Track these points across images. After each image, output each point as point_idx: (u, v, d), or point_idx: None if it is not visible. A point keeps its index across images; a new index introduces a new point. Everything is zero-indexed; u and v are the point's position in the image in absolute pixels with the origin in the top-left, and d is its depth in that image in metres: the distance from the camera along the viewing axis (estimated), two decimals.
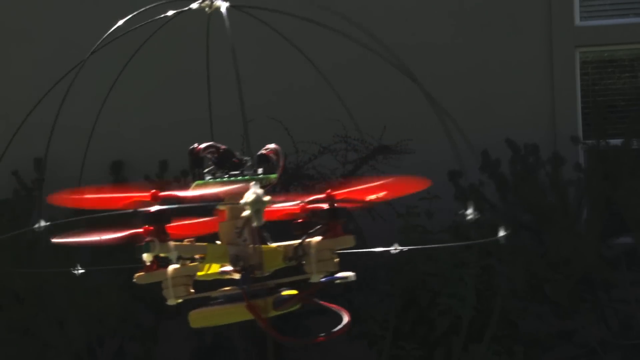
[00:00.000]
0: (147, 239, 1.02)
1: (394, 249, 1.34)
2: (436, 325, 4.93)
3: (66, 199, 1.21)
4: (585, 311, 5.19)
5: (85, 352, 5.37)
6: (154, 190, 1.04)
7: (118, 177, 6.34)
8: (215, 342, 5.58)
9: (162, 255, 1.01)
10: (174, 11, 1.45)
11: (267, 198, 0.97)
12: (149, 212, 1.00)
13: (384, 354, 5.01)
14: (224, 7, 1.47)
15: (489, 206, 5.43)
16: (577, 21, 6.21)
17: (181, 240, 1.05)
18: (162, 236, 1.01)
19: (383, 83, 6.35)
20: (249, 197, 0.96)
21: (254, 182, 0.98)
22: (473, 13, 6.28)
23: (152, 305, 5.86)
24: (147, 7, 1.60)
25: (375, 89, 6.34)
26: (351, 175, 5.52)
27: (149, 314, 5.85)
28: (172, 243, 1.03)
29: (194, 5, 1.50)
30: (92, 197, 1.14)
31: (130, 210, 1.05)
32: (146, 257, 1.04)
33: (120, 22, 1.51)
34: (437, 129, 6.92)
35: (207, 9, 1.46)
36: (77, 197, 1.16)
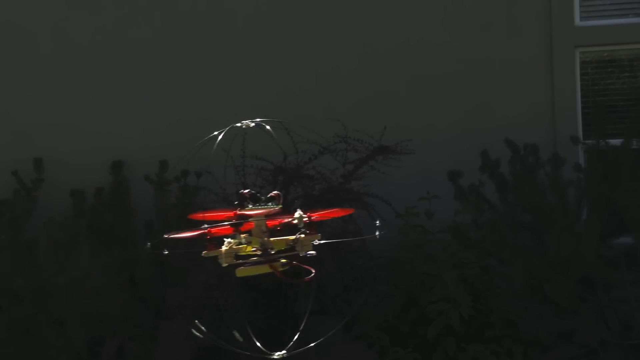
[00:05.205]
0: (232, 233, 1.97)
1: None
2: (433, 327, 4.93)
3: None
4: (586, 311, 5.18)
5: (86, 352, 5.37)
6: (234, 212, 1.97)
7: (118, 177, 6.33)
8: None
9: (235, 240, 1.96)
10: None
11: (298, 215, 1.97)
12: (234, 222, 1.97)
13: (384, 356, 5.01)
14: None
15: (488, 206, 5.43)
16: (577, 21, 6.21)
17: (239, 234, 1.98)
18: (237, 232, 1.97)
19: (383, 83, 6.35)
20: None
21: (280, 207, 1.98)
22: (473, 13, 6.28)
23: (152, 305, 5.86)
24: None
25: (376, 90, 6.34)
26: (351, 175, 5.52)
27: (149, 314, 5.85)
28: (241, 235, 1.96)
29: None
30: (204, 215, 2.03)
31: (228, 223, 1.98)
32: (229, 241, 1.96)
33: None
34: (436, 130, 6.94)
35: None
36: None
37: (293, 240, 1.96)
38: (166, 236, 2.03)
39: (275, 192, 2.00)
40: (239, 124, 2.02)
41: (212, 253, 1.93)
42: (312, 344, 2.11)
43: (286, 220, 1.98)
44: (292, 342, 2.02)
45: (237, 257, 1.95)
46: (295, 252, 1.96)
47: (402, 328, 5.09)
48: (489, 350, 4.85)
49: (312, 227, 1.97)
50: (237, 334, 2.08)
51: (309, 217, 1.98)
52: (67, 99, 6.61)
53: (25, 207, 6.10)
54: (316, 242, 1.96)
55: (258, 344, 2.00)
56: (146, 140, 6.50)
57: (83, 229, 5.55)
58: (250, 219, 1.97)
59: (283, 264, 1.98)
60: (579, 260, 5.01)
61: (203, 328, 2.09)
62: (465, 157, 5.82)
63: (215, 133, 2.03)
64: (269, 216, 1.98)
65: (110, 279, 5.23)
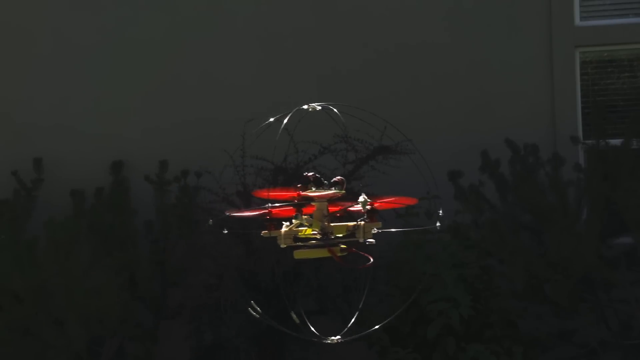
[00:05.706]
0: (295, 214, 1.91)
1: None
2: (433, 327, 4.93)
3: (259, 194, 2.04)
4: (585, 311, 5.18)
5: (85, 352, 5.37)
6: (298, 192, 1.92)
7: (118, 177, 6.33)
8: (215, 342, 5.58)
9: (296, 221, 1.90)
10: None
11: (362, 199, 1.92)
12: (297, 202, 1.93)
13: (384, 356, 5.01)
14: None
15: (488, 206, 5.43)
16: (577, 21, 6.21)
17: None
18: (299, 213, 1.92)
19: (383, 84, 6.35)
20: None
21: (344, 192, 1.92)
22: (473, 13, 6.28)
23: (152, 305, 5.86)
24: None
25: (376, 90, 6.33)
26: (351, 175, 5.52)
27: (149, 314, 5.85)
28: (302, 216, 1.91)
29: None
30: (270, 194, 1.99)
31: (292, 202, 1.92)
32: (294, 221, 1.90)
33: None
34: (436, 130, 6.94)
35: None
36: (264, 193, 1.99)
37: (353, 226, 1.93)
38: (228, 214, 2.01)
39: (339, 177, 1.96)
40: (305, 106, 2.01)
41: (272, 234, 1.91)
42: (376, 327, 2.11)
43: (348, 204, 1.96)
44: (347, 327, 2.01)
45: (296, 239, 1.92)
46: (355, 239, 1.94)
47: (402, 328, 5.09)
48: (489, 350, 4.85)
49: (372, 215, 1.94)
50: (294, 315, 2.02)
51: (372, 204, 1.95)
52: (67, 99, 6.61)
53: (25, 207, 6.10)
54: (375, 230, 1.93)
55: (312, 328, 1.97)
56: (146, 140, 6.50)
57: (83, 229, 5.55)
58: (312, 202, 1.94)
59: (342, 250, 1.95)
60: (579, 260, 5.01)
61: (258, 309, 2.02)
62: (465, 157, 5.81)
63: (272, 119, 1.98)
64: (331, 200, 1.95)
65: (110, 279, 5.23)
